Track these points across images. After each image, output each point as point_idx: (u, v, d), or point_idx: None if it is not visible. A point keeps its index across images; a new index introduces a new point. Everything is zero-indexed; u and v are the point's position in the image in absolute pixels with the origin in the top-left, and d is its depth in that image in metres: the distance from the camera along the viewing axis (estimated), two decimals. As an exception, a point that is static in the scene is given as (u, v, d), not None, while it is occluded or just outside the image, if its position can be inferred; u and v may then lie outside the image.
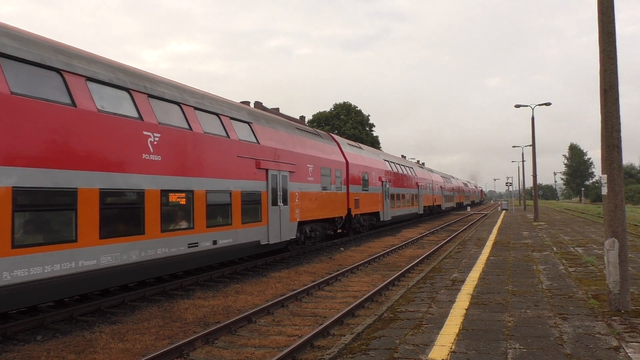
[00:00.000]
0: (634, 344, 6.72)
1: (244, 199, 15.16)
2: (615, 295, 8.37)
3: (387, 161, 35.52)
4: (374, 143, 70.53)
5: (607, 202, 8.48)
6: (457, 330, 7.60)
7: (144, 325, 9.62)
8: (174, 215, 12.33)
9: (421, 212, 44.45)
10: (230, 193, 14.45)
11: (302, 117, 63.13)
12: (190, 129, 13.03)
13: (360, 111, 72.57)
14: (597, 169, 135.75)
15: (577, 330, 7.44)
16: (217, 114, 14.69)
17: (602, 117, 8.54)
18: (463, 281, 11.89)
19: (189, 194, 12.72)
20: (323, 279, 13.81)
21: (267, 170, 16.57)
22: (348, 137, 58.64)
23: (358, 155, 28.31)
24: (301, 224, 19.74)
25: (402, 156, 68.10)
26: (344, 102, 72.74)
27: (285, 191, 17.78)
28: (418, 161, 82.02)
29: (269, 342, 8.51)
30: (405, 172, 39.62)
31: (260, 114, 18.32)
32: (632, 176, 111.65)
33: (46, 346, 8.33)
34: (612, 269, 8.36)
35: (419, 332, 7.63)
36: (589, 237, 23.47)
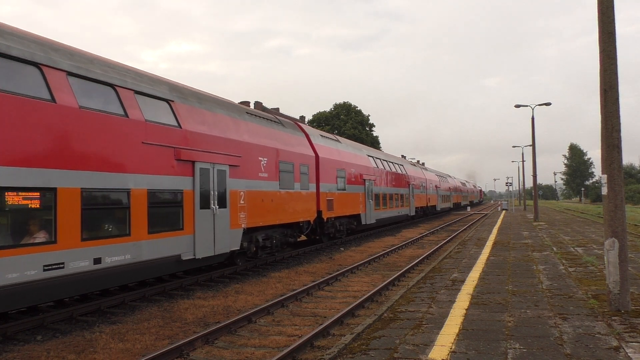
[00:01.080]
0: (634, 344, 6.72)
1: (153, 200, 11.44)
2: (615, 295, 8.37)
3: (372, 157, 31.45)
4: (374, 143, 70.53)
5: (607, 202, 8.48)
6: (457, 330, 7.60)
7: (144, 325, 9.62)
8: (18, 224, 8.58)
9: (412, 213, 40.51)
10: (128, 192, 10.72)
11: (302, 117, 63.15)
12: (54, 100, 9.29)
13: (360, 111, 72.58)
14: (597, 169, 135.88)
15: (577, 330, 7.44)
16: (111, 85, 10.87)
17: (602, 117, 8.54)
18: (463, 281, 11.89)
19: (48, 193, 9.02)
20: (323, 279, 13.81)
21: (193, 162, 12.69)
22: (348, 137, 58.60)
23: (333, 149, 24.09)
24: (250, 231, 15.85)
25: (402, 156, 67.94)
26: (344, 102, 72.75)
27: (223, 190, 13.91)
28: (418, 161, 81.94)
29: (269, 342, 8.51)
30: (393, 170, 35.80)
31: (190, 92, 14.07)
32: (632, 176, 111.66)
33: (46, 346, 8.33)
34: (612, 269, 8.36)
35: (419, 332, 7.63)
36: (589, 237, 23.47)
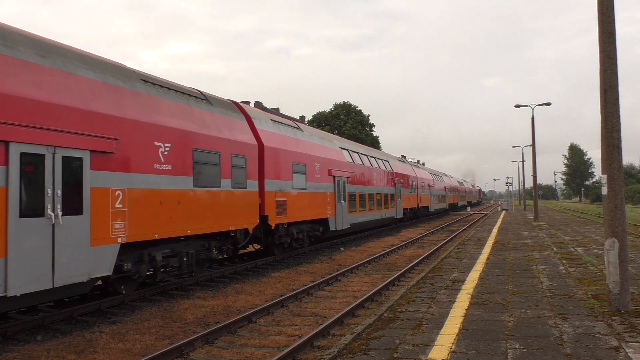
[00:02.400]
0: (634, 344, 6.72)
1: None
2: (615, 295, 8.37)
3: (346, 150, 26.41)
4: (374, 143, 70.55)
5: (607, 202, 8.48)
6: (457, 330, 7.60)
7: (144, 325, 9.62)
8: None
9: (400, 215, 35.98)
10: None
11: (302, 117, 63.15)
12: None
13: (360, 111, 72.61)
14: (597, 169, 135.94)
15: (577, 330, 7.44)
16: None
17: (602, 117, 8.54)
18: (463, 281, 11.89)
19: None
20: (323, 279, 13.81)
21: (7, 143, 8.22)
22: (348, 137, 58.53)
23: (288, 137, 19.01)
24: (139, 246, 11.44)
25: (402, 156, 67.83)
26: (344, 102, 72.78)
27: (76, 188, 9.42)
28: (418, 161, 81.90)
29: (269, 342, 8.51)
30: (376, 166, 31.05)
31: (21, 36, 9.33)
32: (632, 176, 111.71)
33: (46, 346, 8.33)
34: (612, 269, 8.36)
35: (419, 332, 7.63)
36: (589, 237, 23.47)
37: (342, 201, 23.56)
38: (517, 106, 38.40)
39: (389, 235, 30.59)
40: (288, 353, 7.31)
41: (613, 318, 8.03)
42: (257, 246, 18.47)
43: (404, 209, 38.01)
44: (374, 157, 32.36)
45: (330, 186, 22.31)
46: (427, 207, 48.03)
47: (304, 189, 19.47)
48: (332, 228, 22.20)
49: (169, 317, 10.26)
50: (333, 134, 48.48)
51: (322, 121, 70.45)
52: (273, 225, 16.88)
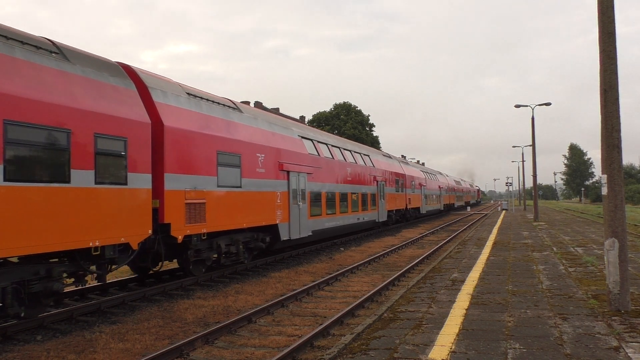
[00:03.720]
0: (634, 344, 6.72)
1: None
2: (615, 295, 8.37)
3: (308, 139, 21.28)
4: (374, 143, 70.55)
5: (607, 202, 8.48)
6: (457, 330, 7.60)
7: (144, 325, 9.62)
8: None
9: (383, 218, 31.24)
10: None
11: (302, 117, 63.16)
12: None
13: (360, 111, 72.63)
14: (597, 169, 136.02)
15: (577, 330, 7.44)
16: None
17: (602, 117, 8.54)
18: (463, 281, 11.89)
19: None
20: (323, 279, 13.81)
21: None
22: (348, 137, 58.52)
23: (210, 117, 14.05)
24: None
25: (402, 156, 67.77)
26: (344, 102, 72.80)
27: None
28: (418, 161, 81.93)
29: (269, 342, 8.51)
30: (350, 161, 26.09)
31: None
32: (632, 176, 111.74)
33: (46, 346, 8.33)
34: (612, 269, 8.36)
35: (419, 332, 7.63)
36: (589, 237, 23.47)
37: (300, 203, 18.80)
38: (517, 106, 38.42)
39: (389, 235, 30.58)
40: (288, 353, 7.31)
41: (613, 318, 8.03)
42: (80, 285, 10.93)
43: (389, 211, 33.20)
44: (350, 151, 27.22)
45: (282, 184, 17.49)
46: (417, 209, 43.34)
47: (236, 187, 14.63)
48: (284, 237, 17.47)
49: (169, 317, 10.26)
50: (333, 133, 48.18)
51: (322, 121, 70.48)
52: (180, 238, 12.14)
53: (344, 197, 24.09)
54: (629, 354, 6.31)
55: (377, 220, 30.10)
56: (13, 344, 8.48)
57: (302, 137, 20.67)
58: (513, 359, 6.28)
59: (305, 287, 12.76)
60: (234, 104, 16.45)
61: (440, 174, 67.04)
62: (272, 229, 17.05)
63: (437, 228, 35.89)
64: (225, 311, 10.74)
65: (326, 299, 12.14)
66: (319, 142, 22.57)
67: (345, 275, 15.18)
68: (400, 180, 36.67)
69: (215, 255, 14.51)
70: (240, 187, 14.90)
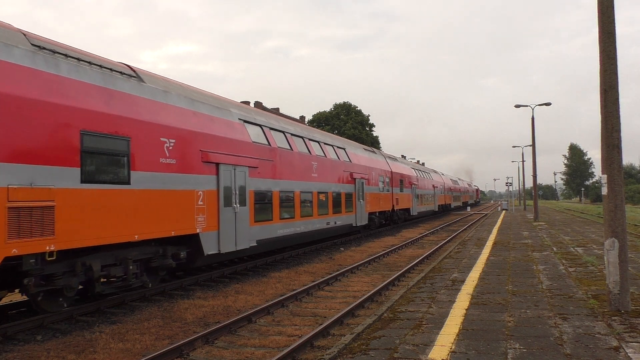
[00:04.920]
0: (634, 344, 6.72)
1: None
2: (615, 295, 8.37)
3: (251, 123, 16.55)
4: (374, 143, 70.57)
5: (607, 202, 8.48)
6: (457, 330, 7.60)
7: (144, 325, 9.62)
8: None
9: (362, 222, 26.99)
10: None
11: (302, 117, 63.18)
12: None
13: (360, 111, 72.66)
14: (597, 169, 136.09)
15: (577, 330, 7.44)
16: None
17: (602, 117, 8.54)
18: (463, 281, 11.89)
19: None
20: (323, 279, 13.81)
21: None
22: (348, 137, 58.49)
23: (62, 80, 9.72)
24: None
25: (402, 156, 67.74)
26: (344, 102, 72.85)
27: None
28: (418, 161, 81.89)
29: (269, 342, 8.51)
30: (318, 153, 21.50)
31: None
32: (632, 176, 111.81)
33: (46, 346, 8.33)
34: (612, 269, 8.36)
35: (419, 332, 7.63)
36: (589, 237, 23.47)
37: (238, 205, 14.42)
38: (518, 106, 38.44)
39: (389, 235, 30.58)
40: (288, 353, 7.31)
41: (613, 318, 8.03)
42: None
43: (371, 213, 29.26)
44: (319, 142, 22.48)
45: (208, 180, 13.30)
46: (407, 210, 39.43)
47: (121, 183, 10.67)
48: (210, 250, 13.16)
49: (169, 317, 10.26)
50: (333, 133, 48.00)
51: (322, 121, 70.53)
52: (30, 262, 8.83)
53: (307, 197, 19.82)
54: (629, 354, 6.31)
55: (354, 224, 25.74)
56: (13, 344, 8.48)
57: (245, 122, 16.02)
58: (513, 359, 6.28)
59: (305, 287, 12.76)
60: (134, 71, 12.22)
61: (435, 172, 63.44)
62: (192, 240, 12.75)
63: (437, 228, 35.90)
64: (225, 311, 10.74)
65: (326, 299, 12.14)
66: (272, 129, 17.84)
67: (345, 275, 15.18)
68: (385, 178, 32.75)
69: (77, 285, 10.16)
70: (128, 183, 10.81)
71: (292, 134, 19.64)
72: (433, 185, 52.03)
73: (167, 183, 11.92)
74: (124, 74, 11.55)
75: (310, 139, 21.52)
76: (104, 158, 10.28)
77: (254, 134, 16.37)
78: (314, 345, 8.03)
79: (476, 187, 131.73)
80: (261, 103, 50.15)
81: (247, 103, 42.78)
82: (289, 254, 19.32)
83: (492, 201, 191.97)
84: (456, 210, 75.08)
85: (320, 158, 21.59)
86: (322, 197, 21.36)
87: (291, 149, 18.83)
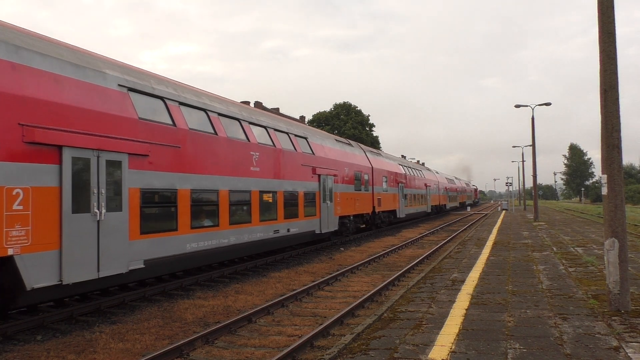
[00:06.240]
0: (634, 344, 6.72)
1: None
2: (615, 295, 8.37)
3: (142, 92, 12.05)
4: (374, 143, 70.58)
5: (607, 202, 8.48)
6: (457, 330, 7.60)
7: (144, 325, 9.62)
8: None
9: (330, 227, 22.35)
10: None
11: (302, 117, 63.19)
12: None
13: (360, 111, 72.66)
14: (597, 169, 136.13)
15: (577, 330, 7.44)
16: None
17: (602, 117, 8.54)
18: (463, 281, 11.89)
19: None
20: (323, 279, 13.81)
21: None
22: (348, 137, 58.46)
23: None
24: None
25: (402, 156, 67.69)
26: (344, 102, 72.85)
27: None
28: (418, 161, 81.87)
29: (269, 342, 8.51)
30: (261, 142, 16.95)
31: None
32: (632, 176, 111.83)
33: (46, 346, 8.33)
34: (612, 269, 8.36)
35: (419, 332, 7.62)
36: (589, 237, 23.46)
37: (103, 209, 10.16)
38: (518, 106, 38.41)
39: (389, 235, 30.57)
40: (288, 353, 7.31)
41: (613, 318, 8.03)
42: None
43: (343, 217, 24.69)
44: (265, 127, 17.73)
45: (37, 171, 8.97)
46: (393, 212, 35.07)
47: None
48: (39, 282, 8.75)
49: (169, 317, 10.26)
50: (333, 134, 47.95)
51: (322, 121, 70.54)
52: None
53: (242, 198, 15.35)
54: (629, 354, 6.31)
55: (318, 231, 21.10)
56: (13, 344, 8.48)
57: (131, 90, 11.66)
58: (513, 359, 6.28)
59: (305, 287, 12.76)
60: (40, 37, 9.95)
61: (429, 170, 59.38)
62: (4, 268, 8.48)
63: (437, 228, 35.90)
64: (225, 311, 10.74)
65: (326, 299, 12.14)
66: (181, 103, 13.27)
67: (345, 275, 15.18)
68: (364, 175, 28.26)
69: None
70: None
71: (219, 114, 14.89)
72: (425, 184, 47.97)
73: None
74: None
75: (251, 123, 16.80)
76: None
77: (145, 108, 11.86)
78: (314, 345, 8.03)
79: (475, 187, 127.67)
80: (261, 103, 50.17)
81: (247, 103, 42.79)
82: (289, 254, 19.32)
83: (492, 201, 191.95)
84: (454, 211, 73.94)
85: (265, 147, 17.00)
86: (266, 197, 16.80)
87: (215, 133, 14.27)
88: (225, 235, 14.36)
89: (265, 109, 48.14)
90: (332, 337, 8.54)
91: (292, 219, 18.61)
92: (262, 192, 16.45)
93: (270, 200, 17.13)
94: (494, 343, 6.94)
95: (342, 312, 9.75)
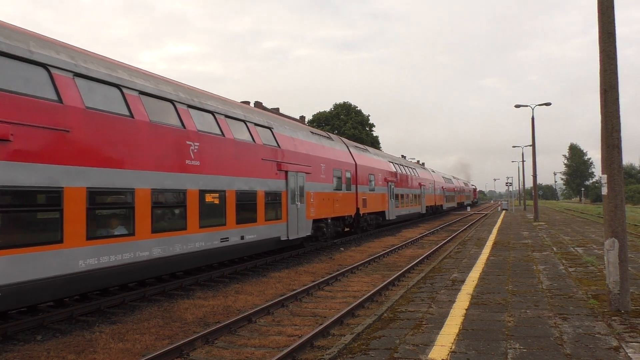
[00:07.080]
0: (634, 344, 6.72)
1: None
2: (615, 295, 8.37)
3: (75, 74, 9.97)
4: (374, 143, 70.59)
5: (607, 202, 8.48)
6: (457, 330, 7.60)
7: (144, 325, 9.62)
8: None
9: (302, 233, 19.36)
10: None
11: (302, 117, 63.19)
12: None
13: (360, 111, 72.69)
14: (597, 169, 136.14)
15: (577, 331, 7.44)
16: None
17: (602, 117, 8.54)
18: (463, 281, 11.89)
19: None
20: (323, 279, 13.81)
21: None
22: (348, 137, 58.45)
23: None
24: None
25: (402, 156, 67.66)
26: (344, 102, 72.88)
27: None
28: (418, 161, 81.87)
29: (269, 342, 8.51)
30: (205, 129, 13.87)
31: None
32: (632, 176, 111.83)
33: (46, 346, 8.33)
34: (612, 269, 8.36)
35: (419, 332, 7.62)
36: (589, 237, 23.46)
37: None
38: (518, 106, 38.42)
39: (389, 235, 30.57)
40: (288, 353, 7.31)
41: (613, 318, 8.03)
42: None
43: (317, 220, 21.41)
44: (212, 112, 14.70)
45: None
46: (382, 213, 32.03)
47: None
48: None
49: (169, 317, 10.26)
50: (333, 133, 48.02)
51: (322, 121, 70.55)
52: None
53: (172, 199, 12.49)
54: (629, 354, 6.31)
55: (284, 238, 17.94)
56: (13, 344, 8.48)
57: (62, 69, 9.83)
58: (513, 359, 6.28)
59: (305, 287, 12.76)
60: None
61: (424, 168, 56.19)
62: None
63: (437, 228, 35.90)
64: (225, 311, 10.74)
65: (326, 299, 12.14)
66: (85, 76, 10.42)
67: (345, 275, 15.18)
68: (345, 173, 25.07)
69: None
70: None
71: (141, 92, 11.91)
72: (420, 184, 44.69)
73: None
74: None
75: (190, 106, 13.67)
76: None
77: (4, 75, 8.68)
78: (314, 345, 8.03)
79: (474, 186, 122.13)
80: (261, 103, 50.16)
81: (247, 103, 42.79)
82: (289, 254, 19.32)
83: (492, 201, 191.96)
84: (454, 211, 73.05)
85: (208, 137, 13.84)
86: (210, 198, 13.81)
87: (131, 116, 11.27)
88: (145, 247, 11.22)
89: (265, 108, 48.15)
90: (332, 337, 8.54)
91: (247, 224, 15.40)
92: (203, 192, 13.35)
93: (216, 202, 14.02)
94: (494, 343, 6.94)
95: (342, 312, 9.75)
